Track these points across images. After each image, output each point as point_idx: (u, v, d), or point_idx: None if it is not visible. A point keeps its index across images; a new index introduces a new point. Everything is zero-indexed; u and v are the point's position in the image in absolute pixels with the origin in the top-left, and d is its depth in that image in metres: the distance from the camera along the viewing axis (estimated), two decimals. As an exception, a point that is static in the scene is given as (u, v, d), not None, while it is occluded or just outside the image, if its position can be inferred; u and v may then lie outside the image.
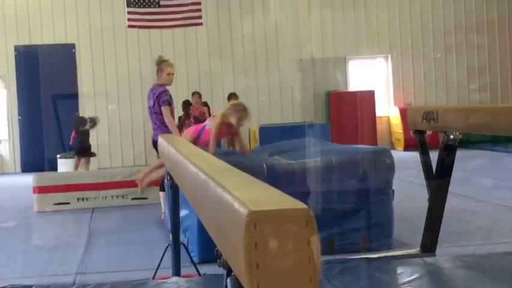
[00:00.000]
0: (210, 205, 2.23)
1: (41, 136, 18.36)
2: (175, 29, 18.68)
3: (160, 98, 9.07)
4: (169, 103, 9.16)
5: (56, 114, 18.22)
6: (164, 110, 9.05)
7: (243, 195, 1.82)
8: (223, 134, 8.08)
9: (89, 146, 15.25)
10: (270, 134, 16.36)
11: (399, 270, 6.26)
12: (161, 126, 9.02)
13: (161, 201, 9.66)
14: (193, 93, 16.04)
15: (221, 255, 2.20)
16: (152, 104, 9.17)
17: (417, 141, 6.57)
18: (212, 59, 19.22)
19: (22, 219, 10.67)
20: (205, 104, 16.30)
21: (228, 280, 2.13)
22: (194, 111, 15.22)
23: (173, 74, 9.33)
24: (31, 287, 6.14)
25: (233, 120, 7.76)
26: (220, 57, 19.27)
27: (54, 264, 7.46)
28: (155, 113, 9.14)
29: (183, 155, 3.36)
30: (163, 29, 18.65)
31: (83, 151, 14.92)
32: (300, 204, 1.66)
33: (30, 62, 18.78)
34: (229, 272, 2.12)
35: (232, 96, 16.85)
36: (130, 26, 18.46)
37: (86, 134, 15.25)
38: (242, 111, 7.84)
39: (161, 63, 9.26)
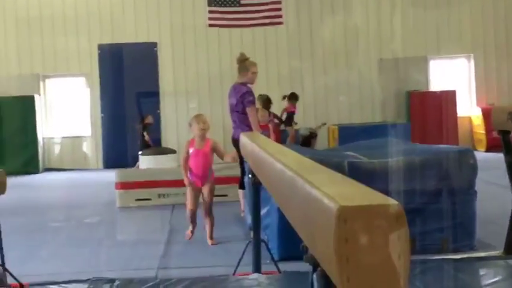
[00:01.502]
0: (298, 201, 2.24)
1: (123, 133, 18.67)
2: (255, 27, 18.77)
3: (244, 98, 9.01)
4: (254, 103, 9.14)
5: (140, 112, 18.50)
6: (250, 110, 9.00)
7: (332, 191, 1.83)
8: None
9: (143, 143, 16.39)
10: (350, 134, 16.33)
11: (481, 272, 6.18)
12: (241, 125, 9.01)
13: (240, 199, 9.72)
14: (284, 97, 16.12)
15: (307, 250, 2.21)
16: (235, 103, 9.12)
17: (502, 141, 6.47)
18: (292, 58, 19.24)
19: (105, 215, 10.88)
20: (269, 101, 16.19)
21: (315, 275, 2.14)
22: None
23: (257, 72, 9.32)
24: (114, 281, 6.25)
25: (196, 129, 8.24)
26: (300, 56, 19.27)
27: (137, 258, 7.59)
28: (237, 112, 9.11)
29: (268, 152, 3.39)
30: (244, 28, 18.75)
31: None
32: (390, 200, 1.66)
33: (113, 61, 19.11)
34: (315, 267, 2.14)
35: (292, 96, 16.62)
36: (210, 25, 18.63)
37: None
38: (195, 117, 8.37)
39: (245, 61, 9.22)
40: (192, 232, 8.36)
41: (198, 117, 8.32)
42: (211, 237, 8.23)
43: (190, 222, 8.36)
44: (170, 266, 7.17)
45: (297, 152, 3.42)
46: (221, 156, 8.37)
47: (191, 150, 8.20)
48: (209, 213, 8.24)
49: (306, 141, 15.75)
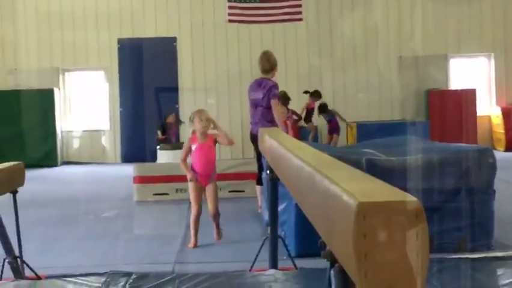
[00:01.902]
0: (316, 197, 2.24)
1: (142, 128, 18.72)
2: (275, 24, 18.75)
3: (271, 92, 9.01)
4: (279, 97, 9.17)
5: (158, 106, 18.54)
6: (275, 103, 9.00)
7: (351, 187, 1.83)
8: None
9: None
10: (368, 131, 16.29)
11: (499, 271, 6.15)
12: (262, 120, 8.98)
13: (258, 195, 9.71)
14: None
15: (325, 246, 2.21)
16: (261, 97, 9.08)
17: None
18: (311, 55, 19.20)
19: (122, 209, 10.89)
20: (287, 98, 16.25)
21: (332, 271, 2.13)
22: None
23: None
24: (131, 274, 6.27)
25: (198, 126, 7.90)
26: (319, 53, 19.22)
27: (154, 253, 7.60)
28: (261, 107, 9.07)
29: (286, 148, 3.38)
30: (263, 24, 18.74)
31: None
32: (409, 197, 1.66)
33: (132, 55, 19.14)
34: (333, 263, 2.13)
35: (315, 93, 16.88)
36: (230, 21, 18.63)
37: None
38: (198, 113, 7.99)
39: (272, 56, 9.26)
40: (196, 241, 7.92)
41: (202, 114, 7.97)
42: (219, 235, 8.14)
43: (193, 232, 7.93)
44: (187, 261, 7.18)
45: (315, 148, 3.41)
46: (224, 142, 8.08)
47: (194, 146, 8.03)
48: (215, 217, 8.12)
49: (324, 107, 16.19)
